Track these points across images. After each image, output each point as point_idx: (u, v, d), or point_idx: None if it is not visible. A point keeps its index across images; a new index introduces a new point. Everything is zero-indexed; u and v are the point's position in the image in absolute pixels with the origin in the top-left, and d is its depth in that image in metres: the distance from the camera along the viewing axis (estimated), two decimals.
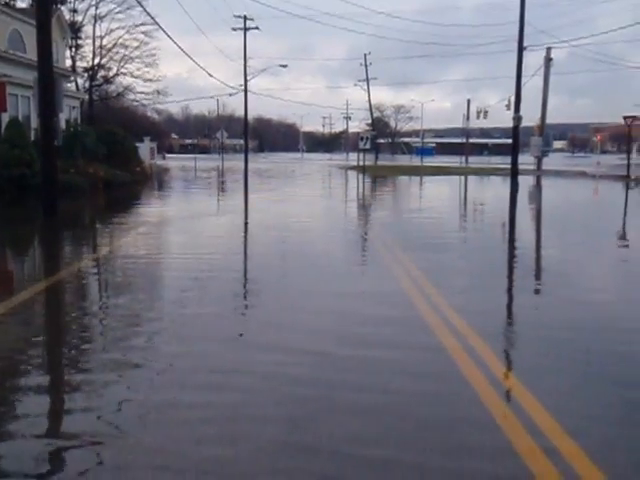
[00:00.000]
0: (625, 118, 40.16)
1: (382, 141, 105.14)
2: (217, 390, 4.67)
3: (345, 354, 5.51)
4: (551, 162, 54.03)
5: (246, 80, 54.37)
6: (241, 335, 6.13)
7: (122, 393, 4.62)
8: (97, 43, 50.42)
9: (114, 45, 51.37)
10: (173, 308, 7.12)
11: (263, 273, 9.31)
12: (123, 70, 52.33)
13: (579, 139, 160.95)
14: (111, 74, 52.69)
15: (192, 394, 4.60)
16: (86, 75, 50.74)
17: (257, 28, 54.21)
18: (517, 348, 6.02)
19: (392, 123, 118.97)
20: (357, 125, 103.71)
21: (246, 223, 15.97)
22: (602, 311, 7.36)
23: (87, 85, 50.74)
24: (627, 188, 32.37)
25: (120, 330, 6.30)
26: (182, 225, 15.61)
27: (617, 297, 8.29)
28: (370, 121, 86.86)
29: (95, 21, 49.71)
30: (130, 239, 12.99)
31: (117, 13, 49.92)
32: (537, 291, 8.60)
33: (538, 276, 9.77)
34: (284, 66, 61.81)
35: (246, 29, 53.65)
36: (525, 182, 34.15)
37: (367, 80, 79.41)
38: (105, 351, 5.65)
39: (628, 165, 39.95)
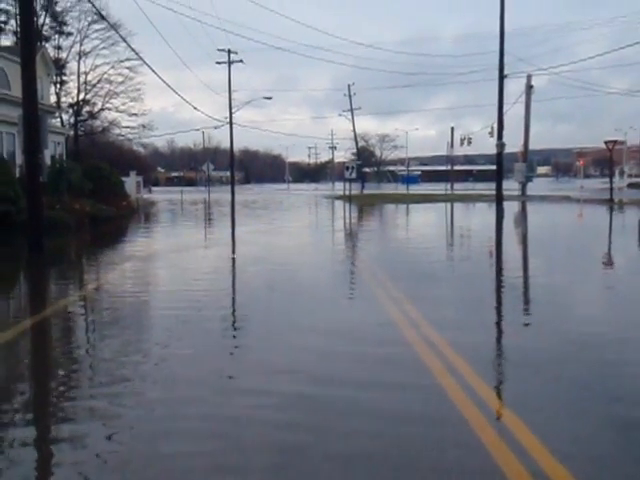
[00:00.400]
0: (606, 143, 40.73)
1: (368, 170, 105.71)
2: (199, 438, 4.51)
3: (335, 394, 5.38)
4: (535, 187, 54.53)
5: (231, 113, 54.73)
6: (229, 377, 5.94)
7: (101, 444, 4.43)
8: (82, 79, 50.79)
9: (99, 80, 51.76)
10: (158, 350, 6.90)
11: (250, 310, 9.16)
12: (108, 105, 52.64)
13: (562, 164, 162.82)
14: (96, 109, 52.96)
15: (174, 443, 4.45)
16: (71, 111, 50.94)
17: (241, 61, 54.72)
18: (511, 384, 5.99)
19: (377, 152, 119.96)
20: (343, 155, 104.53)
21: (233, 258, 15.88)
22: (593, 343, 7.35)
23: (72, 121, 50.91)
24: (611, 212, 32.69)
25: (103, 374, 6.12)
26: (168, 260, 15.52)
27: (607, 327, 8.30)
28: (355, 150, 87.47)
29: (80, 57, 50.12)
30: (116, 275, 12.90)
31: (102, 49, 50.43)
32: (526, 324, 8.59)
33: (527, 307, 9.79)
34: (269, 98, 62.30)
35: (230, 62, 54.11)
36: (510, 208, 34.38)
37: (351, 110, 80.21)
38: (86, 397, 5.48)
39: (611, 189, 40.39)
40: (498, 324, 8.27)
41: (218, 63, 54.76)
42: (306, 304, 9.42)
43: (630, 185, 67.60)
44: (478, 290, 10.56)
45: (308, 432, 4.61)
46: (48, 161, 27.94)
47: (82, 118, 52.82)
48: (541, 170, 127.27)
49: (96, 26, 48.91)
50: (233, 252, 16.79)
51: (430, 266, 13.42)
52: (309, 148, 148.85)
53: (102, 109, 53.06)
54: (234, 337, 7.68)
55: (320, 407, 5.12)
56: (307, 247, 18.12)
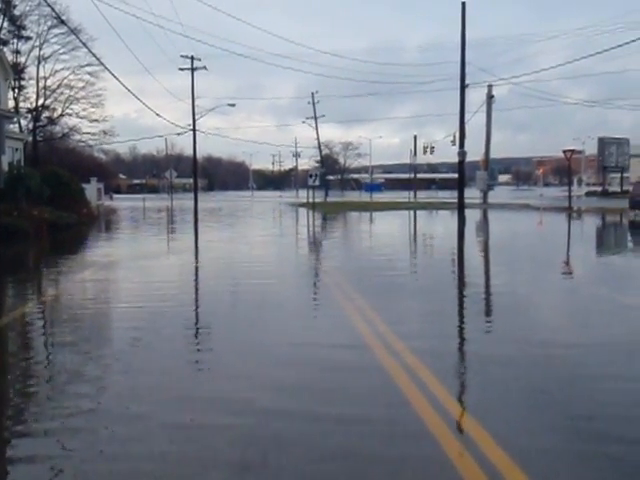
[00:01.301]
0: (565, 152, 41.56)
1: (332, 178, 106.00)
2: (156, 460, 4.33)
3: (302, 409, 5.32)
4: (496, 195, 55.27)
5: (194, 119, 54.33)
6: (187, 397, 5.62)
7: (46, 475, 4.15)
8: (41, 84, 49.82)
9: (59, 86, 50.83)
10: (115, 362, 6.68)
11: (211, 320, 8.99)
12: (68, 111, 51.72)
13: (523, 172, 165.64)
14: (56, 115, 52.00)
15: (130, 465, 4.30)
16: (30, 116, 49.94)
17: (205, 68, 54.40)
18: (472, 389, 6.01)
19: (341, 160, 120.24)
20: (306, 162, 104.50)
21: (196, 266, 15.72)
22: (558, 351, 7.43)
23: (31, 126, 49.91)
24: (569, 219, 33.31)
25: (58, 390, 5.89)
26: (129, 268, 15.29)
27: (565, 333, 8.40)
28: (319, 158, 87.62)
29: (39, 62, 49.18)
30: (74, 284, 12.66)
31: (62, 54, 49.55)
32: (488, 331, 8.67)
33: (489, 313, 9.88)
34: (232, 105, 61.96)
35: (193, 69, 53.76)
36: (472, 215, 34.78)
37: (315, 118, 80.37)
38: (42, 415, 5.24)
39: (569, 197, 41.20)
40: (460, 333, 8.32)
41: (181, 69, 54.36)
42: (271, 321, 8.91)
43: (588, 193, 69.07)
44: (442, 300, 10.62)
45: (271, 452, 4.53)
46: (5, 167, 27.35)
47: (41, 124, 51.85)
48: (502, 178, 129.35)
49: (56, 30, 48.07)
50: (195, 262, 16.61)
51: (395, 276, 13.41)
52: (273, 155, 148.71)
53: (62, 115, 52.14)
54: (193, 353, 7.37)
55: (286, 427, 5.04)
56: (271, 257, 18.04)
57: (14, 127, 40.86)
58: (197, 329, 8.51)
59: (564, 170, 74.59)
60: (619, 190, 65.26)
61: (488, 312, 9.79)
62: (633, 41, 37.55)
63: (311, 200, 44.00)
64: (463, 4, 32.32)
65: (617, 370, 6.34)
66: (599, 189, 71.86)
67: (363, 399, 5.47)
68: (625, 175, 71.66)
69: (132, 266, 15.47)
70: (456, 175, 35.39)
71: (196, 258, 17.17)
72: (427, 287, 11.94)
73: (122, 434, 4.75)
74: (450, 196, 51.30)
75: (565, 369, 6.36)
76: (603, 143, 70.29)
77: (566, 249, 19.47)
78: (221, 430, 4.82)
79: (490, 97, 49.69)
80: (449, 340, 7.55)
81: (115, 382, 6.06)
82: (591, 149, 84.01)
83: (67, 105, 51.45)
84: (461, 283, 12.71)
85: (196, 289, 12.10)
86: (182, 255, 17.86)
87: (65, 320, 9.24)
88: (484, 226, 29.97)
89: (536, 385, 5.80)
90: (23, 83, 49.24)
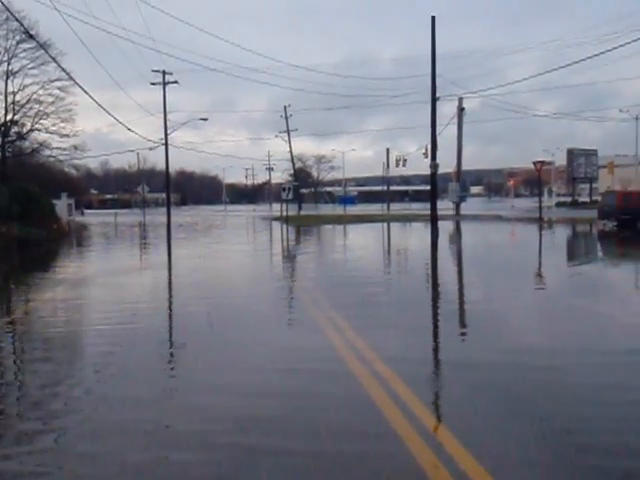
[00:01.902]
0: (534, 163, 42.11)
1: (305, 191, 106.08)
2: None
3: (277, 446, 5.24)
4: (469, 207, 55.76)
5: (166, 134, 54.00)
6: (166, 427, 5.31)
7: None
8: (10, 99, 49.15)
9: (28, 101, 50.14)
10: (83, 390, 6.33)
11: (181, 341, 8.71)
12: (38, 126, 51.00)
13: (494, 184, 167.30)
14: (25, 130, 51.30)
15: None
16: None
17: (176, 82, 54.11)
18: (447, 399, 6.00)
19: (314, 173, 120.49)
20: (280, 176, 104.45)
21: (168, 284, 15.58)
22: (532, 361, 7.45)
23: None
24: (540, 230, 33.71)
25: (23, 420, 5.60)
26: (98, 286, 15.08)
27: (536, 339, 8.45)
28: (292, 171, 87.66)
29: (7, 77, 48.52)
30: (42, 303, 12.44)
31: (31, 69, 48.96)
32: (463, 338, 8.68)
33: (463, 324, 9.91)
34: (204, 119, 61.68)
35: (165, 83, 53.52)
36: (445, 227, 35.00)
37: (288, 131, 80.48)
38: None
39: (540, 208, 41.72)
40: (435, 347, 8.33)
41: (152, 84, 54.03)
42: (248, 342, 8.51)
43: (558, 204, 70.05)
44: (417, 315, 10.65)
45: None
46: None
47: (10, 139, 51.12)
48: (474, 190, 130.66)
49: (25, 45, 47.46)
50: (167, 280, 16.44)
51: (370, 291, 13.37)
52: (246, 169, 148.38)
53: (31, 130, 51.43)
54: (165, 378, 7.15)
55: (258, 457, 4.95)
56: (244, 274, 17.93)
57: None
58: (169, 353, 8.10)
59: (535, 181, 75.65)
60: (588, 200, 66.31)
61: (465, 324, 9.81)
62: (602, 53, 38.24)
63: (285, 214, 43.96)
64: (433, 18, 32.63)
65: (586, 378, 6.38)
66: (569, 200, 72.92)
67: (344, 420, 5.43)
68: (594, 186, 72.87)
69: (102, 284, 15.24)
70: (429, 187, 35.59)
71: (169, 276, 16.96)
72: (400, 300, 11.93)
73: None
74: (423, 208, 51.56)
75: (539, 376, 6.38)
76: (572, 154, 71.42)
77: (538, 260, 19.65)
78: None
79: (461, 110, 50.26)
80: (433, 361, 7.55)
81: (78, 414, 5.77)
82: (561, 160, 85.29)
83: (37, 120, 50.79)
84: (441, 298, 12.70)
85: (169, 309, 11.87)
86: (154, 272, 17.67)
87: (32, 340, 9.06)
88: (457, 238, 30.17)
89: (507, 393, 5.82)
90: None
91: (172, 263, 20.24)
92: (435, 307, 11.27)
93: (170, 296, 13.20)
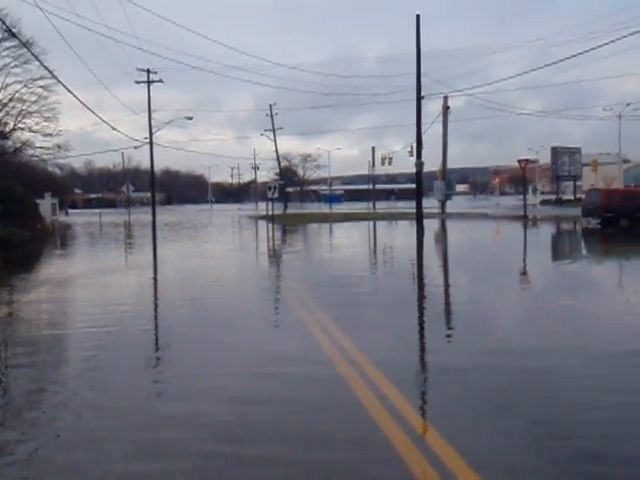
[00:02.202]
0: (519, 161, 42.33)
1: (291, 190, 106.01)
2: None
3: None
4: (454, 205, 56.02)
5: (151, 133, 53.72)
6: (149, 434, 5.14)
7: None
8: None
9: (10, 100, 49.70)
10: (64, 397, 6.16)
11: (166, 345, 8.59)
12: (21, 125, 50.59)
13: (480, 182, 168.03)
14: (7, 129, 50.83)
15: None
16: None
17: (161, 81, 53.84)
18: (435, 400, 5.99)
19: (300, 172, 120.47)
20: (266, 175, 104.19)
21: (154, 284, 15.47)
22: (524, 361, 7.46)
23: None
24: (525, 227, 33.89)
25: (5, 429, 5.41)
26: (83, 286, 14.95)
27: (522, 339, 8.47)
28: (278, 170, 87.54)
29: None
30: (25, 304, 12.30)
31: (13, 67, 48.53)
32: (449, 339, 8.69)
33: (450, 325, 9.92)
34: (190, 118, 61.44)
35: (149, 82, 53.24)
36: (431, 225, 35.09)
37: (273, 130, 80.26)
38: None
39: (525, 206, 41.95)
40: (422, 347, 8.33)
41: (137, 82, 53.71)
42: (234, 343, 8.46)
43: (543, 202, 70.51)
44: (404, 315, 10.64)
45: None
46: None
47: None
48: (459, 188, 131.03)
49: (7, 43, 47.00)
50: (152, 279, 16.35)
51: (357, 291, 13.33)
52: (232, 168, 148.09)
53: (14, 129, 51.00)
54: (148, 386, 6.88)
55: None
56: (231, 273, 17.86)
57: None
58: (154, 357, 8.01)
59: (519, 179, 76.03)
60: (572, 198, 66.79)
61: (452, 325, 9.81)
62: (587, 51, 38.54)
63: (271, 213, 43.90)
64: (417, 16, 32.70)
65: (565, 371, 6.40)
66: (553, 197, 73.42)
67: (331, 420, 5.40)
68: (578, 183, 73.40)
69: (86, 284, 15.10)
70: (414, 185, 35.68)
71: (153, 276, 16.87)
72: (388, 301, 11.92)
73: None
74: (409, 206, 51.70)
75: (524, 376, 6.39)
76: (556, 152, 71.91)
77: (522, 258, 19.74)
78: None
79: (446, 108, 50.40)
80: (410, 351, 7.54)
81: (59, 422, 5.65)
82: (545, 158, 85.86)
83: (19, 119, 50.32)
84: (428, 298, 12.71)
85: (154, 310, 11.78)
86: (139, 271, 17.56)
87: (13, 344, 8.95)
88: (442, 236, 30.25)
89: (492, 393, 5.82)
90: None
91: (157, 263, 20.11)
92: (422, 307, 11.26)
93: (155, 297, 13.10)
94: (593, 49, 29.28)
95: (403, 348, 7.81)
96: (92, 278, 16.00)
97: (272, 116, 79.07)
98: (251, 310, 11.07)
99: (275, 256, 22.00)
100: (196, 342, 8.44)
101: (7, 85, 49.24)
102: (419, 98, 33.19)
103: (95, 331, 9.24)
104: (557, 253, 22.25)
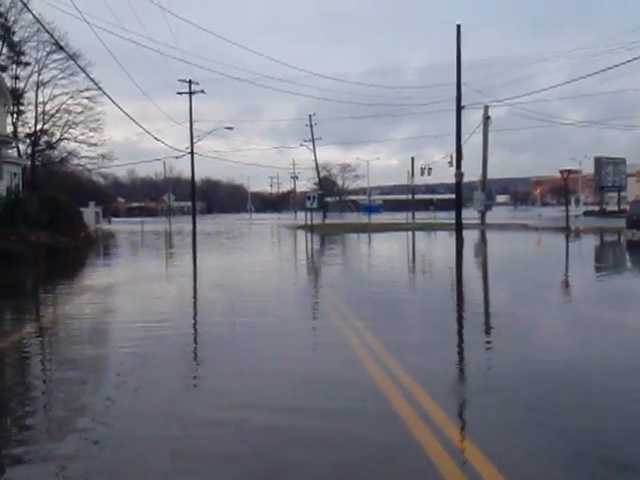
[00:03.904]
0: (561, 172, 41.69)
1: (330, 199, 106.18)
2: None
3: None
4: (494, 215, 55.31)
5: (192, 143, 54.49)
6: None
7: None
8: (40, 109, 50.12)
9: (57, 111, 51.14)
10: (106, 409, 6.06)
11: (207, 357, 8.68)
12: (67, 135, 51.99)
13: (520, 193, 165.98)
14: (54, 139, 52.23)
15: None
16: (28, 141, 50.14)
17: (202, 92, 54.64)
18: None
19: (339, 181, 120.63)
20: (305, 184, 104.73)
21: (193, 295, 15.66)
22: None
23: (29, 151, 50.08)
24: (567, 239, 33.33)
25: (39, 439, 5.38)
26: (126, 294, 15.21)
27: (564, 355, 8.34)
28: (317, 180, 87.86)
29: (38, 87, 49.53)
30: (73, 309, 12.59)
31: (60, 79, 49.93)
32: (488, 351, 8.60)
33: (488, 332, 9.83)
34: (230, 128, 62.19)
35: (191, 93, 54.06)
36: (470, 236, 34.76)
37: (312, 140, 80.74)
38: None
39: (567, 217, 41.25)
40: (461, 357, 8.26)
41: (179, 93, 54.62)
42: (272, 351, 8.75)
43: (586, 213, 69.24)
44: (445, 327, 10.59)
45: None
46: (4, 192, 27.39)
47: (40, 148, 52.08)
48: (500, 199, 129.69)
49: (55, 56, 48.49)
50: (192, 289, 16.55)
51: (399, 304, 13.29)
52: (271, 178, 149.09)
53: (60, 139, 52.40)
54: (178, 417, 6.34)
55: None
56: (270, 281, 17.94)
57: (13, 152, 41.00)
58: (191, 375, 8.04)
59: (561, 190, 74.84)
60: (617, 209, 65.45)
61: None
62: (629, 61, 37.80)
63: (309, 222, 44.02)
64: (458, 26, 32.62)
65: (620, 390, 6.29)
66: (597, 208, 72.06)
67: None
68: (622, 194, 71.90)
69: (127, 292, 15.36)
70: (454, 196, 35.45)
71: (194, 285, 17.05)
72: (427, 311, 11.86)
73: None
74: (448, 217, 51.29)
75: (567, 390, 6.30)
76: (600, 163, 70.62)
77: (564, 270, 19.42)
78: None
79: (487, 118, 49.93)
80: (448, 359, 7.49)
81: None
82: (588, 169, 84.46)
83: (65, 129, 51.76)
84: (471, 311, 12.59)
85: (194, 323, 11.96)
86: (179, 281, 17.76)
87: (59, 352, 9.17)
88: (482, 247, 29.93)
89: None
90: (22, 108, 49.54)
91: (198, 272, 20.34)
92: (464, 321, 11.17)
93: (195, 308, 13.23)
94: (635, 59, 28.76)
95: (452, 368, 7.76)
96: (133, 286, 16.28)
97: (311, 126, 79.56)
98: (293, 328, 10.92)
99: (315, 267, 21.97)
100: (234, 363, 8.03)
101: (54, 96, 50.70)
102: (459, 108, 33.05)
103: (135, 343, 9.38)
104: (600, 266, 21.82)
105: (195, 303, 13.50)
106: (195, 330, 10.29)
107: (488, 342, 9.09)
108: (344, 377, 6.93)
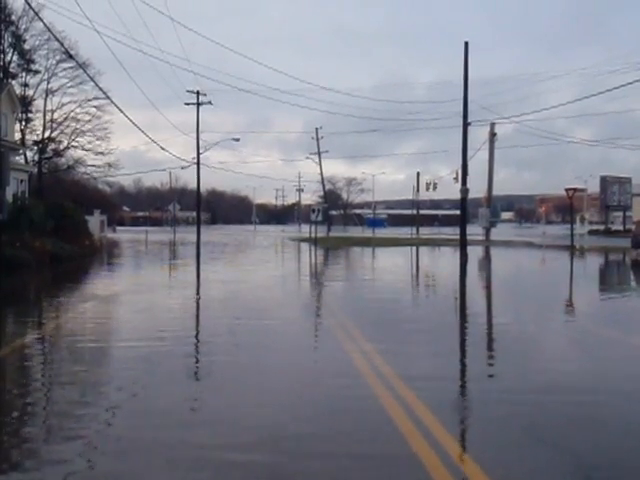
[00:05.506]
0: (567, 190, 41.68)
1: (334, 213, 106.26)
2: None
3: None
4: (499, 232, 55.37)
5: (199, 153, 54.75)
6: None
7: None
8: (48, 117, 50.38)
9: (65, 119, 51.40)
10: (102, 420, 6.00)
11: (207, 370, 8.64)
12: (74, 143, 52.20)
13: (525, 210, 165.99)
14: (61, 147, 52.45)
15: None
16: (36, 148, 50.37)
17: (210, 103, 54.93)
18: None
19: (344, 195, 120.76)
20: (310, 197, 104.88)
21: (196, 305, 15.61)
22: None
23: (36, 158, 50.30)
24: (572, 258, 33.23)
25: (36, 446, 5.34)
26: (129, 303, 15.17)
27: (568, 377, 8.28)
28: (322, 193, 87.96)
29: (46, 95, 49.81)
30: (75, 316, 12.56)
31: (69, 87, 50.22)
32: (490, 376, 8.55)
33: (491, 351, 9.77)
34: (237, 140, 62.68)
35: (199, 104, 54.33)
36: (475, 253, 34.68)
37: (319, 153, 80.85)
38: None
39: (572, 235, 41.20)
40: (463, 373, 8.21)
41: (187, 104, 54.92)
42: (274, 372, 8.74)
43: (591, 232, 69.11)
44: (448, 345, 10.54)
45: None
46: (10, 199, 27.48)
47: (47, 156, 52.32)
48: (505, 216, 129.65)
49: (64, 64, 48.84)
50: (195, 300, 16.50)
51: (405, 322, 13.23)
52: (276, 190, 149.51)
53: (68, 147, 52.65)
54: (180, 423, 6.41)
55: None
56: (272, 297, 17.90)
57: (20, 159, 41.20)
58: (192, 394, 8.01)
59: (566, 208, 74.78)
60: (622, 229, 65.29)
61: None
62: (637, 81, 37.88)
63: (313, 235, 44.03)
64: (466, 43, 32.73)
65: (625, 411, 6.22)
66: (602, 227, 71.90)
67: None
68: (628, 214, 71.78)
69: (130, 302, 15.32)
70: (459, 212, 35.42)
71: (197, 296, 16.97)
72: (433, 328, 11.81)
73: None
74: (452, 232, 51.23)
75: (570, 411, 6.24)
76: (605, 182, 70.62)
77: (569, 289, 19.34)
78: None
79: (493, 135, 50.08)
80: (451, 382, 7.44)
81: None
82: (593, 188, 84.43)
83: (73, 138, 51.98)
84: (464, 326, 12.58)
85: (196, 333, 11.92)
86: (182, 291, 17.71)
87: (60, 359, 9.14)
88: (487, 265, 29.85)
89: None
90: (30, 115, 49.84)
91: (201, 283, 20.29)
92: (468, 342, 11.11)
93: (198, 319, 13.19)
94: None
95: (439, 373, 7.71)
96: (136, 296, 16.25)
97: (318, 139, 79.75)
98: (297, 347, 10.73)
99: (319, 282, 21.69)
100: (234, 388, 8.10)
101: (63, 105, 50.98)
102: (465, 124, 33.09)
103: (135, 352, 9.35)
104: (604, 285, 21.73)
105: (197, 320, 13.45)
106: (196, 360, 10.22)
107: (490, 365, 9.04)
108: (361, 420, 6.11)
